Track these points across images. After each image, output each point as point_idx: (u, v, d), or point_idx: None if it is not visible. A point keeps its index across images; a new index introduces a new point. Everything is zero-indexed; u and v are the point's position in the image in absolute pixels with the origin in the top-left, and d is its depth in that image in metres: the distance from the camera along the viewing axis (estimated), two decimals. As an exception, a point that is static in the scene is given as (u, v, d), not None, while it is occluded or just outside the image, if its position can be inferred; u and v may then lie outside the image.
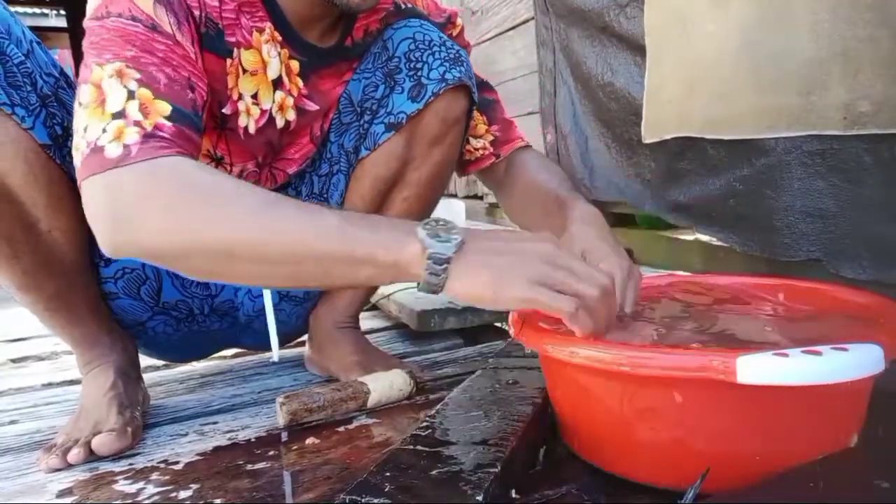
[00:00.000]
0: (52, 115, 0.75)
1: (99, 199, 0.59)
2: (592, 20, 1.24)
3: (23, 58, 0.72)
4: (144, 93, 0.62)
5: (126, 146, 0.59)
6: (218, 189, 0.59)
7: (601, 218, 0.79)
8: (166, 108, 0.63)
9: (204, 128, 0.71)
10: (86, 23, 0.67)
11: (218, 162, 0.84)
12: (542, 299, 0.54)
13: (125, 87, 0.62)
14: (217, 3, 0.74)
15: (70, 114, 0.76)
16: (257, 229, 0.56)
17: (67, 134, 0.76)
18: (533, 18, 1.51)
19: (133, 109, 0.61)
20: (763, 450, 0.52)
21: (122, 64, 0.63)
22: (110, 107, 0.61)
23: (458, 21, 1.00)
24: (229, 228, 0.56)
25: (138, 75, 0.63)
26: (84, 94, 0.63)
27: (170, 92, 0.64)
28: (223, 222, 0.57)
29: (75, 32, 5.88)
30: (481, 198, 2.30)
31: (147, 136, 0.60)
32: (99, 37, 0.65)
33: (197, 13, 0.71)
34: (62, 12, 6.81)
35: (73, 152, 0.62)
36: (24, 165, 0.72)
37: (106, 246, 0.60)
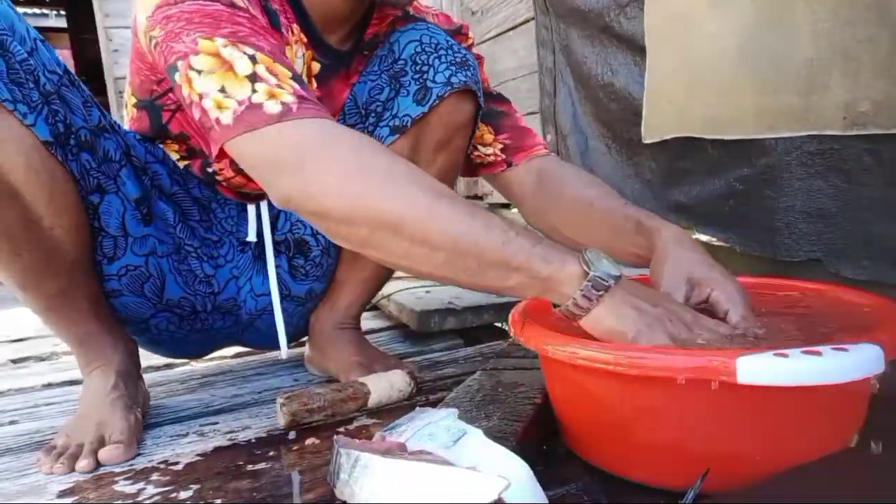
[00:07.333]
0: (54, 112, 0.74)
1: (267, 150, 0.61)
2: (592, 20, 1.24)
3: (26, 55, 0.71)
4: (264, 58, 0.63)
5: (285, 104, 0.61)
6: (393, 165, 0.59)
7: (691, 239, 0.75)
8: (287, 72, 0.64)
9: None
10: (151, 15, 0.68)
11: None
12: None
13: (244, 53, 0.63)
14: None
15: (73, 112, 0.77)
16: (430, 212, 0.57)
17: (70, 131, 0.76)
18: (533, 18, 1.51)
19: (264, 72, 0.62)
20: (763, 450, 0.52)
21: (226, 38, 0.64)
22: (241, 70, 0.62)
23: (471, 34, 1.00)
24: (403, 204, 0.57)
25: (247, 46, 0.64)
26: (199, 63, 0.63)
27: (280, 59, 0.65)
28: (399, 197, 0.57)
29: (75, 32, 5.87)
30: (482, 198, 2.30)
31: (301, 97, 0.62)
32: (180, 21, 0.65)
33: None
34: (62, 12, 6.81)
35: (208, 112, 0.63)
36: (25, 162, 0.71)
37: (275, 193, 0.62)
